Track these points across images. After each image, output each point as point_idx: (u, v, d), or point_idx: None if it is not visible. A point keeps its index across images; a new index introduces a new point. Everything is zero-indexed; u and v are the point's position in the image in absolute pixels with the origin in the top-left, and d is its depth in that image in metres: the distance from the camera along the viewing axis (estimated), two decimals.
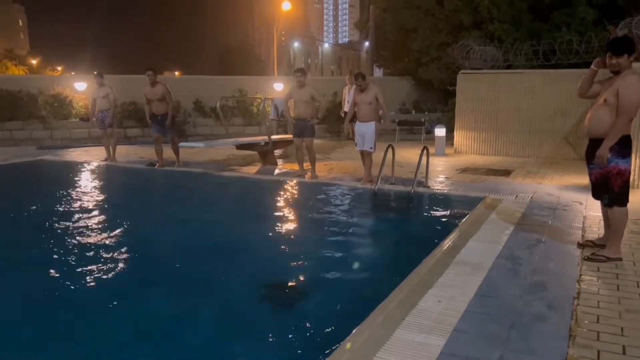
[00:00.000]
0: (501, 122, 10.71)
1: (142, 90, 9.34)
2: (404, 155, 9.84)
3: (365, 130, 7.62)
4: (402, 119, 14.96)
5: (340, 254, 4.80)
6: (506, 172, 8.61)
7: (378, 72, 27.06)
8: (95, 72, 10.74)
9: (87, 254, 4.71)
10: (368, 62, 24.98)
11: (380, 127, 7.75)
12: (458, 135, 11.23)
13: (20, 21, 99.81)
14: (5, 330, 3.25)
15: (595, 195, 4.27)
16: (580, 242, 4.54)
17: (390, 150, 7.55)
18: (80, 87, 15.54)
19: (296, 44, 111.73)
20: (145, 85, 9.17)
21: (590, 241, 4.49)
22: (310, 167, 8.38)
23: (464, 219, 5.42)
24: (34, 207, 6.69)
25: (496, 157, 10.63)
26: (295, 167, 8.72)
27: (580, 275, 3.79)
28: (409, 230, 5.69)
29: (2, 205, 6.98)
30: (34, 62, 61.19)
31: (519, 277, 3.73)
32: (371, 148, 7.64)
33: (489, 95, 10.75)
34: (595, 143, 4.11)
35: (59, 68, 62.87)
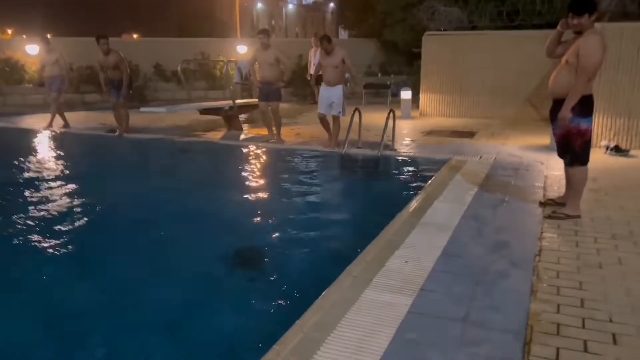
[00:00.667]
0: (466, 84, 10.78)
1: (96, 59, 9.00)
2: (371, 118, 9.80)
3: (333, 94, 7.46)
4: (368, 81, 14.89)
5: (309, 218, 4.81)
6: (470, 134, 8.72)
7: (343, 34, 26.76)
8: (40, 37, 10.22)
9: (46, 223, 4.58)
10: (333, 24, 24.64)
11: (351, 90, 7.65)
12: (423, 98, 11.25)
13: None
14: None
15: (560, 154, 4.35)
16: (542, 200, 4.66)
17: (356, 113, 7.51)
18: (32, 51, 14.81)
19: (259, 5, 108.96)
20: (99, 52, 8.79)
21: (551, 200, 4.61)
22: (276, 131, 8.27)
23: (430, 181, 5.48)
24: None
25: (461, 119, 10.73)
26: (261, 132, 8.60)
27: (542, 232, 3.90)
28: (376, 193, 5.73)
29: None
30: None
31: (483, 237, 3.80)
32: (339, 112, 7.52)
33: (454, 57, 10.75)
34: (558, 103, 4.16)
35: (9, 31, 59.76)
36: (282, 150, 7.77)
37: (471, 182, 5.40)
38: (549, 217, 4.23)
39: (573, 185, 4.27)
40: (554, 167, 5.89)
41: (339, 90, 7.44)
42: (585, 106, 4.00)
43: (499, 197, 4.83)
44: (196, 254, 3.96)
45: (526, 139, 8.09)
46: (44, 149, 8.61)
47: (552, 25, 9.49)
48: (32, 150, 8.36)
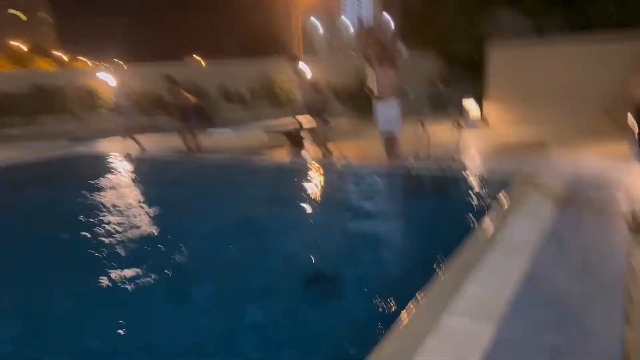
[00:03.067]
0: (534, 93, 10.38)
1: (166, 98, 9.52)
2: (434, 131, 9.64)
3: (388, 109, 7.28)
4: (429, 93, 14.65)
5: (378, 238, 4.77)
6: (542, 145, 8.36)
7: (402, 46, 26.61)
8: (110, 68, 10.98)
9: (119, 249, 4.78)
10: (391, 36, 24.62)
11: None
12: (489, 108, 10.95)
13: (48, 16, 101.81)
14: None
15: None
16: (628, 216, 4.37)
17: (421, 126, 7.36)
18: (108, 79, 15.74)
19: (315, 20, 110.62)
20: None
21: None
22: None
23: (503, 197, 5.28)
24: (64, 205, 6.83)
25: (529, 127, 10.31)
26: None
27: (631, 251, 3.64)
28: (447, 211, 5.56)
29: (32, 204, 7.08)
30: (62, 55, 62.32)
31: (566, 257, 3.61)
32: (397, 128, 7.36)
33: (522, 66, 10.42)
34: None
35: (87, 61, 63.94)
36: (349, 168, 7.75)
37: (548, 197, 5.16)
38: (638, 233, 3.95)
39: None
40: (637, 179, 5.53)
41: (393, 103, 7.25)
42: None
43: (579, 213, 4.58)
44: (269, 275, 3.99)
45: (603, 149, 7.66)
46: (124, 173, 9.06)
47: (623, 26, 8.94)
48: (114, 174, 8.81)
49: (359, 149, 9.10)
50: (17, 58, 47.21)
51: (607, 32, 10.17)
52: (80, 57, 66.08)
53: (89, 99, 15.32)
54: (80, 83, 15.48)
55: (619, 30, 9.86)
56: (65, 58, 60.60)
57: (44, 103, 14.52)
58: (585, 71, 9.79)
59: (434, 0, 16.77)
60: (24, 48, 56.23)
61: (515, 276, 3.30)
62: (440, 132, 9.64)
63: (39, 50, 56.71)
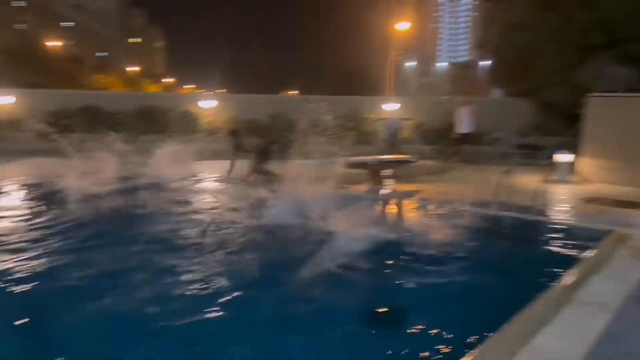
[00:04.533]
0: (635, 150, 9.77)
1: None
2: (524, 180, 9.35)
3: None
4: (521, 142, 14.23)
5: (452, 281, 4.65)
6: (637, 205, 7.83)
7: (497, 93, 26.14)
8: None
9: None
10: (486, 82, 24.30)
11: None
12: (584, 162, 10.43)
13: (162, 46, 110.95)
14: None
15: None
16: None
17: (508, 174, 7.19)
18: (207, 105, 16.79)
19: (409, 64, 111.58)
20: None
21: None
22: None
23: (589, 254, 5.01)
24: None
25: (627, 187, 9.69)
26: (405, 187, 8.61)
27: None
28: (527, 261, 5.33)
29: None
30: (169, 80, 67.34)
31: None
32: None
33: (623, 120, 9.87)
34: None
35: (190, 86, 68.62)
36: (429, 208, 7.67)
37: (638, 259, 4.84)
38: None
39: None
40: None
41: None
42: None
43: None
44: (338, 312, 4.00)
45: None
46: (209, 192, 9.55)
47: None
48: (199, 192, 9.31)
49: (442, 190, 8.98)
50: (129, 80, 51.58)
51: None
52: (185, 83, 70.98)
53: (189, 123, 16.36)
54: (183, 107, 16.62)
55: None
56: (171, 83, 65.37)
57: (147, 123, 15.71)
58: None
59: (532, 50, 16.43)
60: (136, 71, 61.34)
61: (592, 335, 3.13)
62: (530, 181, 9.33)
63: (149, 74, 61.58)
